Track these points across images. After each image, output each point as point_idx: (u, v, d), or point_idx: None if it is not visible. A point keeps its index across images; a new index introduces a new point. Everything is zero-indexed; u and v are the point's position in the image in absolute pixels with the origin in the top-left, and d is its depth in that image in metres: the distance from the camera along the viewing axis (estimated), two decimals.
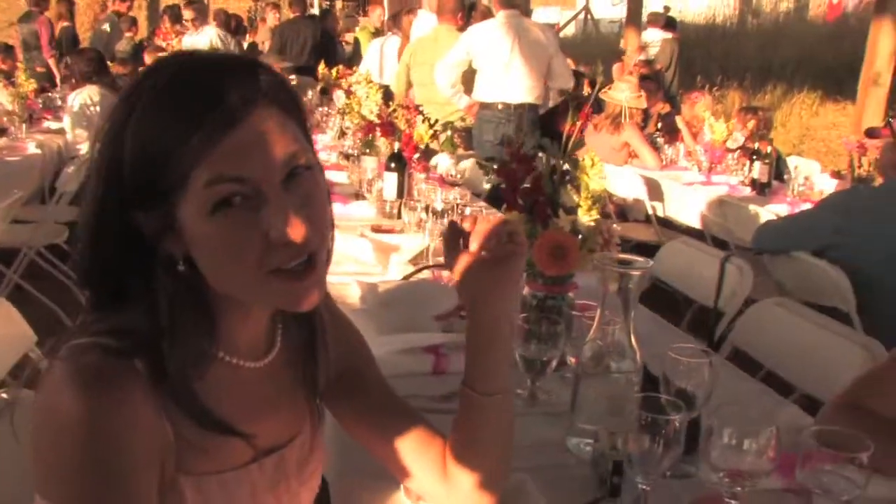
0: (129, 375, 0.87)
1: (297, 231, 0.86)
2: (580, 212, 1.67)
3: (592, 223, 1.68)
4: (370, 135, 3.80)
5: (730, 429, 1.17)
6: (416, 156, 3.57)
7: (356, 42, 10.88)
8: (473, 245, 1.05)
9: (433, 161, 3.98)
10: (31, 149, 5.36)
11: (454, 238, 1.08)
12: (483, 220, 1.07)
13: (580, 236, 1.73)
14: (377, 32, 10.04)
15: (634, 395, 1.23)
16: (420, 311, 1.95)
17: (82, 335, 0.88)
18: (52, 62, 9.90)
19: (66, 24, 11.03)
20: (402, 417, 1.16)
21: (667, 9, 12.89)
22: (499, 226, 1.06)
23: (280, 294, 0.91)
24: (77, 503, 0.85)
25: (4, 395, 1.24)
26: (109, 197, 0.88)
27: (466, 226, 1.07)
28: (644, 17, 12.11)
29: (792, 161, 5.86)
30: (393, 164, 3.37)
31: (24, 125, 5.81)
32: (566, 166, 1.70)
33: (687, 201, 5.03)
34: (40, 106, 6.88)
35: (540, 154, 1.82)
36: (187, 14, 9.31)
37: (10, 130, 5.59)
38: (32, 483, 0.88)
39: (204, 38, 8.76)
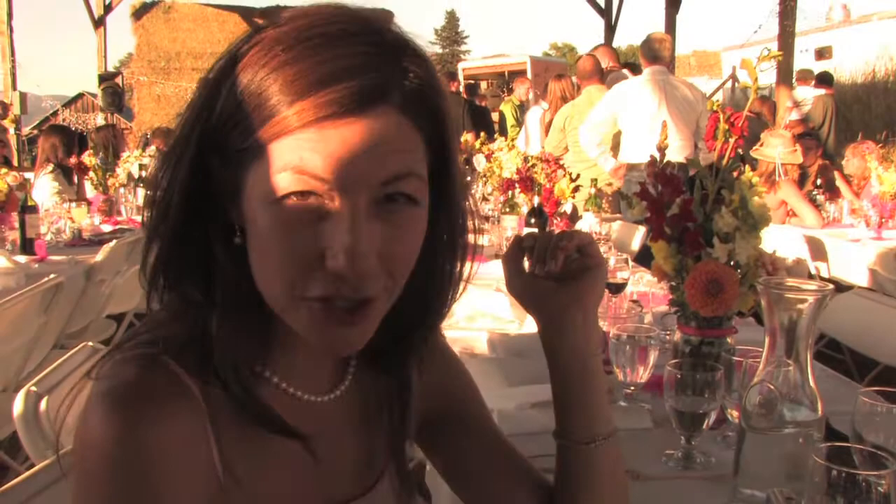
0: (170, 391, 0.72)
1: (358, 264, 0.69)
2: (738, 237, 1.42)
3: (753, 252, 1.42)
4: (510, 191, 3.73)
5: None
6: (559, 211, 3.44)
7: (501, 115, 11.10)
8: (535, 264, 0.91)
9: (578, 224, 3.83)
10: None
11: (516, 259, 0.93)
12: (545, 236, 0.92)
13: (738, 270, 1.49)
14: (522, 105, 10.12)
15: (817, 446, 0.96)
16: None
17: (124, 351, 0.74)
18: None
19: None
20: (509, 467, 0.98)
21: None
22: (564, 239, 0.91)
23: (310, 327, 0.73)
24: None
25: None
26: (193, 132, 0.73)
27: (529, 244, 0.93)
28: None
29: None
30: (533, 220, 3.27)
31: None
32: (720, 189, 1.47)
33: (855, 259, 4.62)
34: None
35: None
36: None
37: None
38: None
39: None
